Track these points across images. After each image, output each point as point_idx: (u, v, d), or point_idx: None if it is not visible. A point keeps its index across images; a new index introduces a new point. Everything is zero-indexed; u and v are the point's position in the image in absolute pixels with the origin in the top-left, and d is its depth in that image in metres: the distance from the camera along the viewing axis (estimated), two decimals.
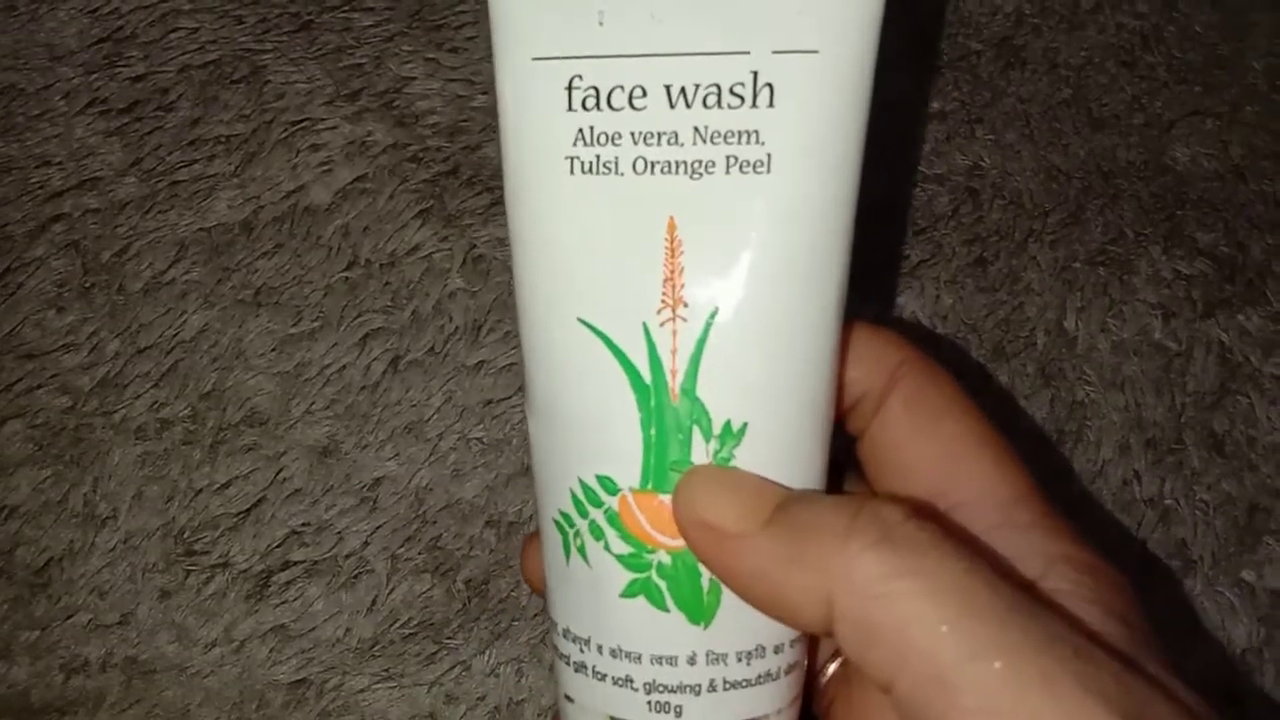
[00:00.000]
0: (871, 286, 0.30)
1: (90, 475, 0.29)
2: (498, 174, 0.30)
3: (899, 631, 0.17)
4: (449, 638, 0.29)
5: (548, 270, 0.20)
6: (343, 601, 0.29)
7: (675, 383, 0.20)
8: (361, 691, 0.29)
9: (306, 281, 0.30)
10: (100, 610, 0.29)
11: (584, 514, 0.20)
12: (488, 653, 0.29)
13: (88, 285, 0.30)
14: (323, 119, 0.30)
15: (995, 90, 0.31)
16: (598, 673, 0.21)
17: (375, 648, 0.29)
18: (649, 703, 0.20)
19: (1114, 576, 0.20)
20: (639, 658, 0.20)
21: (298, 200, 0.30)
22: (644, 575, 0.20)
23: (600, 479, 0.20)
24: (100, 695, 0.29)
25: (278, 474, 0.29)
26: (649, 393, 0.20)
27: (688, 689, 0.20)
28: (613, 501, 0.20)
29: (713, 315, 0.19)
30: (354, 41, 0.31)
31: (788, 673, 0.21)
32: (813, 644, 0.23)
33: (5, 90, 0.30)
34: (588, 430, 0.20)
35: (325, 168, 0.30)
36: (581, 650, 0.21)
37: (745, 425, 0.20)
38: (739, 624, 0.20)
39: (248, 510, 0.29)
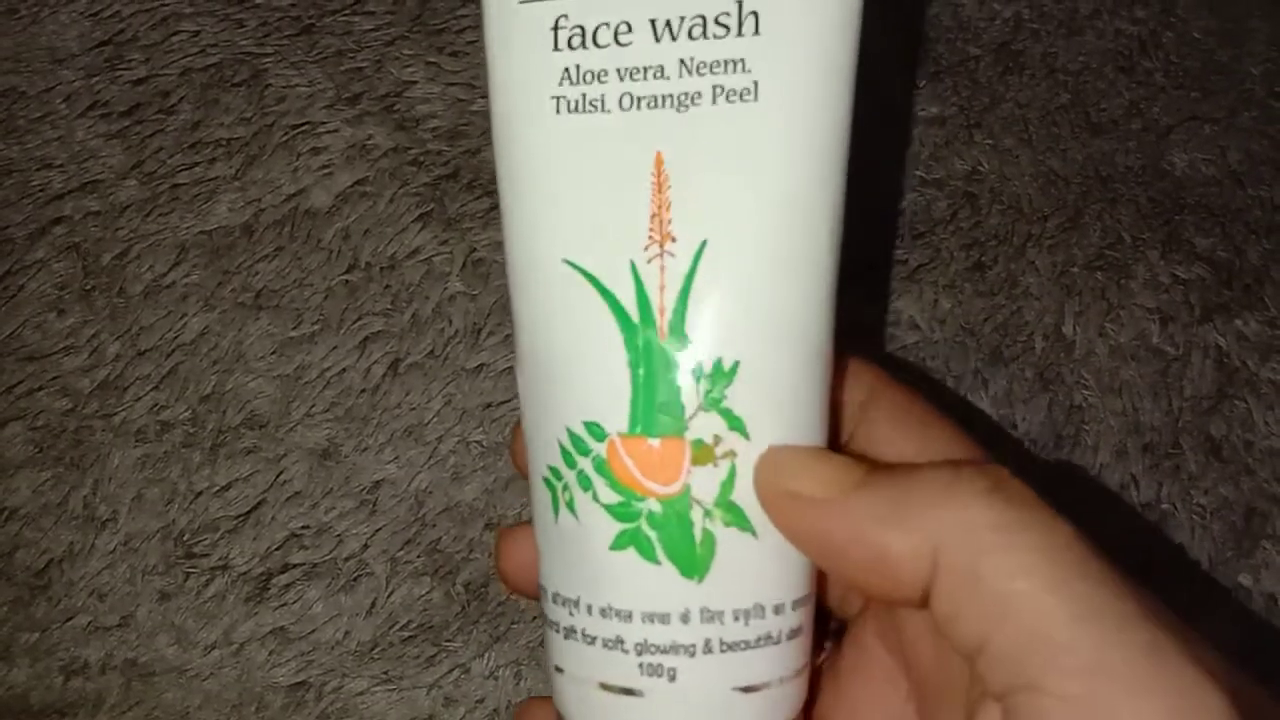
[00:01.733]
0: (869, 290, 0.30)
1: (90, 477, 0.29)
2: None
3: (1007, 584, 0.16)
4: (448, 640, 0.29)
5: (533, 213, 0.20)
6: (342, 604, 0.29)
7: (664, 320, 0.19)
8: (361, 694, 0.29)
9: (307, 284, 0.30)
10: (100, 612, 0.29)
11: (572, 464, 0.20)
12: (487, 655, 0.29)
13: (88, 288, 0.30)
14: (323, 122, 0.30)
15: (994, 95, 0.31)
16: (587, 636, 0.20)
17: (374, 650, 0.29)
18: (640, 665, 0.19)
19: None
20: (629, 615, 0.19)
21: (298, 203, 0.30)
22: (633, 525, 0.19)
23: (588, 426, 0.19)
24: (100, 697, 0.29)
25: (277, 476, 0.29)
26: (637, 332, 0.19)
27: (681, 649, 0.19)
28: (600, 448, 0.19)
29: (701, 249, 0.19)
30: (355, 45, 0.31)
31: (790, 638, 0.20)
32: None
33: (6, 93, 0.30)
34: (575, 376, 0.20)
35: (326, 171, 0.30)
36: (571, 613, 0.20)
37: (736, 364, 0.19)
38: (735, 579, 0.19)
39: (247, 513, 0.29)
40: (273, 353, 0.30)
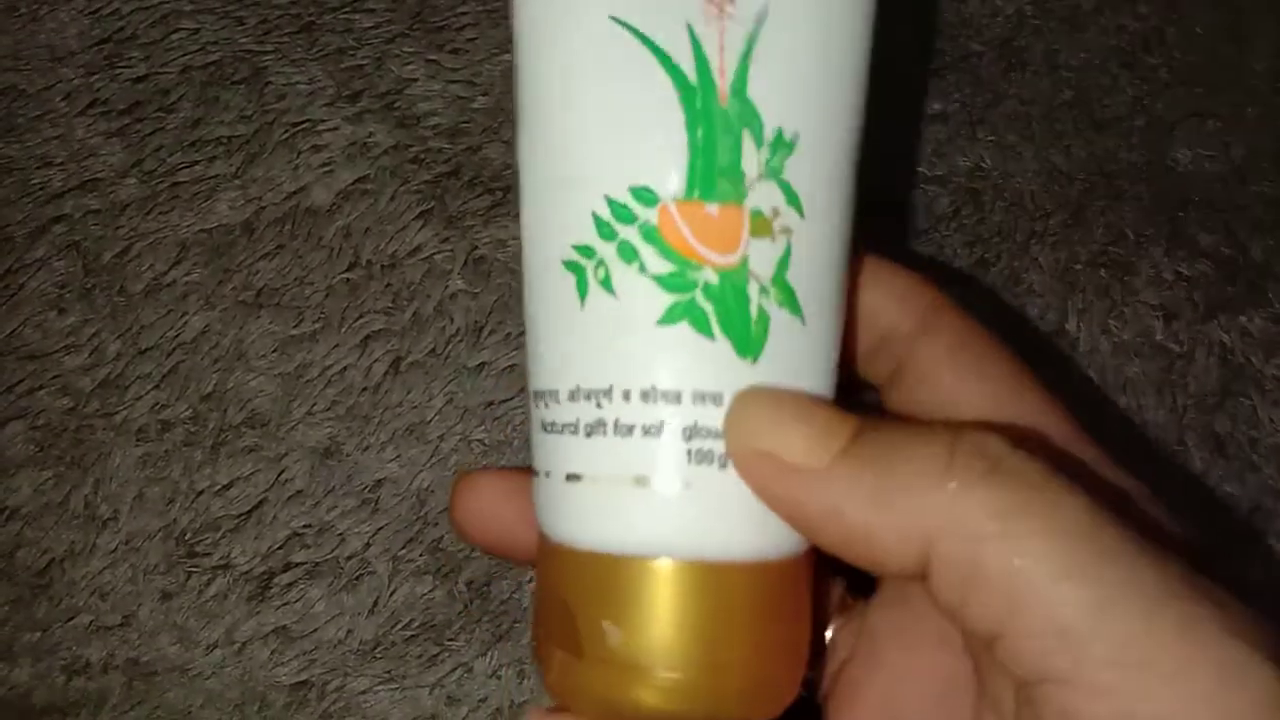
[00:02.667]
0: None
1: (91, 477, 0.29)
2: (499, 175, 0.30)
3: (1013, 577, 0.15)
4: (450, 639, 0.29)
5: None
6: (344, 603, 0.29)
7: (724, 83, 0.18)
8: (363, 693, 0.29)
9: (308, 283, 0.30)
10: (102, 612, 0.29)
11: (611, 237, 0.18)
12: (489, 654, 0.29)
13: (89, 286, 0.30)
14: (324, 120, 0.30)
15: (997, 92, 0.31)
16: (621, 427, 0.18)
17: (377, 649, 0.29)
18: (688, 452, 0.18)
19: (1176, 514, 0.19)
20: (677, 397, 0.18)
21: (299, 201, 0.30)
22: (688, 296, 0.18)
23: (635, 192, 0.18)
24: (102, 697, 0.29)
25: (279, 475, 0.29)
26: (695, 94, 0.18)
27: None
28: (651, 214, 0.18)
29: (764, 14, 0.18)
30: (355, 43, 0.31)
31: None
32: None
33: (6, 91, 0.30)
34: (622, 141, 0.18)
35: (326, 169, 0.30)
36: (598, 406, 0.18)
37: (797, 135, 0.18)
38: (785, 364, 0.18)
39: (249, 512, 0.29)
40: (274, 351, 0.30)
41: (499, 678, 0.29)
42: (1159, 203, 0.30)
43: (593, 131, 0.18)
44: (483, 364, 0.30)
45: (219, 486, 0.29)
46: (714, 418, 0.18)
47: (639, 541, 0.18)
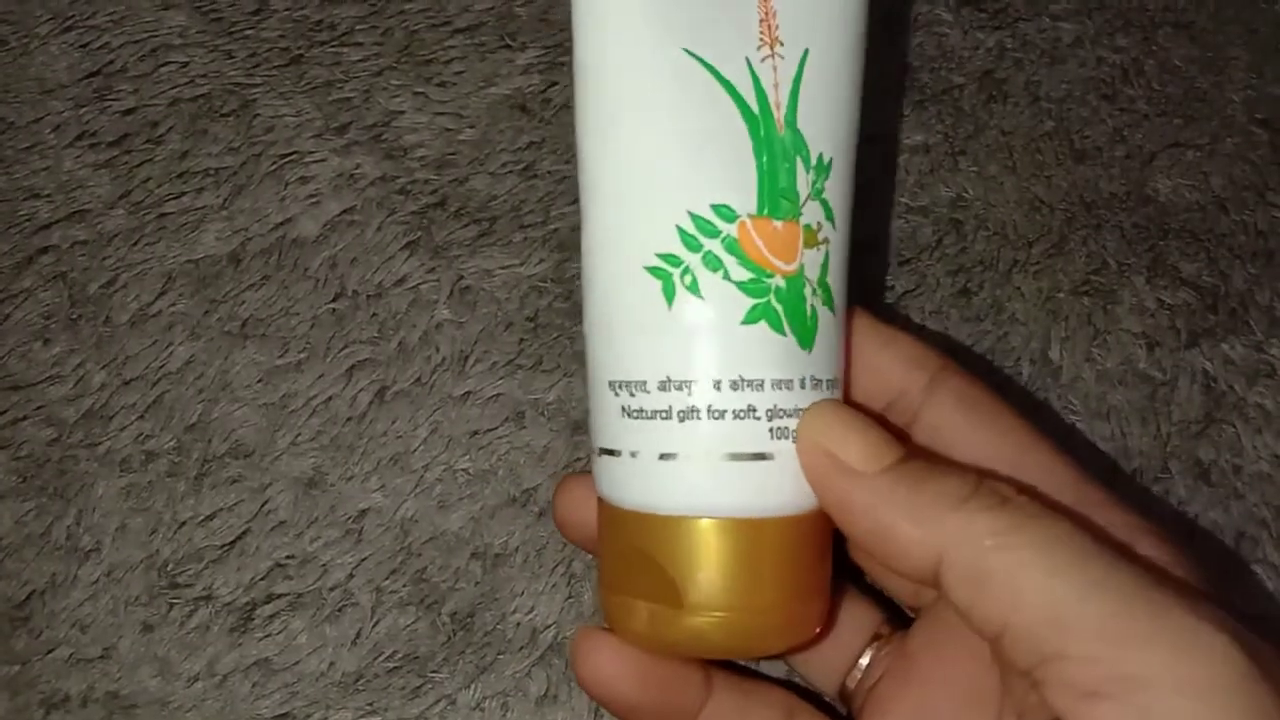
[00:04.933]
0: None
1: (74, 507, 0.29)
2: (485, 206, 0.30)
3: (1012, 576, 0.18)
4: (434, 671, 0.29)
5: (648, 6, 0.21)
6: (327, 635, 0.29)
7: (779, 115, 0.21)
8: None
9: (293, 313, 0.30)
10: (82, 644, 0.29)
11: (696, 248, 0.21)
12: (473, 686, 0.29)
13: (74, 317, 0.30)
14: (311, 152, 0.31)
15: (978, 123, 0.31)
16: (714, 411, 0.21)
17: (359, 682, 0.29)
18: (770, 430, 0.21)
19: (1185, 550, 0.21)
20: (761, 384, 0.21)
21: (286, 232, 0.30)
22: (764, 300, 0.21)
23: (716, 208, 0.21)
24: None
25: (262, 506, 0.29)
26: (758, 122, 0.21)
27: (798, 413, 0.21)
28: (731, 229, 0.21)
29: (805, 56, 0.21)
30: (343, 76, 0.31)
31: None
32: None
33: None
34: (702, 161, 0.21)
35: (313, 200, 0.30)
36: (688, 394, 0.21)
37: (831, 160, 0.21)
38: (827, 351, 0.22)
39: (232, 542, 0.29)
40: (259, 381, 0.30)
41: (483, 710, 0.29)
42: (1140, 232, 0.30)
43: (673, 153, 0.21)
44: (468, 393, 0.30)
45: (202, 517, 0.29)
46: (788, 401, 0.21)
47: (729, 506, 0.21)
